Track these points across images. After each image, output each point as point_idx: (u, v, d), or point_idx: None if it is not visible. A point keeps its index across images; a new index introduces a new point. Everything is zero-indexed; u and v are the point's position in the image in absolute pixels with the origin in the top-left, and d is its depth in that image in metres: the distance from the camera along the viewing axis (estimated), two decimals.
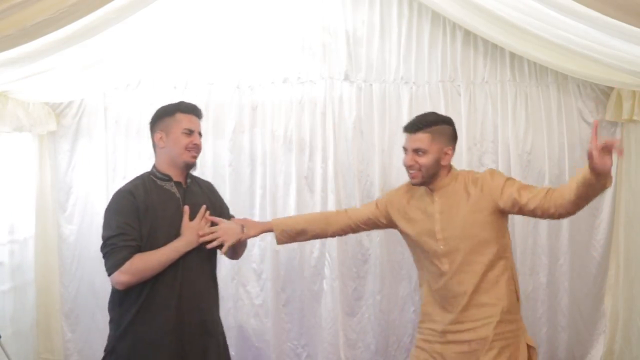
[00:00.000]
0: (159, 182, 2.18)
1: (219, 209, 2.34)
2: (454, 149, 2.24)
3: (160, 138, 2.19)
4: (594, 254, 3.52)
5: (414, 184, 2.25)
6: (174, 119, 2.18)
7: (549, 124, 3.48)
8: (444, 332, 2.19)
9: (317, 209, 3.44)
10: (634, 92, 3.17)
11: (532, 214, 2.12)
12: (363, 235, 3.45)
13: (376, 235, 3.44)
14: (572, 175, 3.43)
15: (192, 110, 2.22)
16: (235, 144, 3.47)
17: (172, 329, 2.08)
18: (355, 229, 2.44)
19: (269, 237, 3.43)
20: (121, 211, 2.06)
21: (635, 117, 3.18)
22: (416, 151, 2.19)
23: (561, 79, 3.47)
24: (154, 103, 3.44)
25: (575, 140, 3.48)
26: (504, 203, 2.12)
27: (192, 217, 2.16)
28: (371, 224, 2.41)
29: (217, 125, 3.48)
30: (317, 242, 3.45)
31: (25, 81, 2.84)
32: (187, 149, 2.16)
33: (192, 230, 2.12)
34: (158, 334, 2.07)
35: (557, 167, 3.47)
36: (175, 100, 3.38)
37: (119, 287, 2.03)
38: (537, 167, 3.47)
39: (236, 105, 3.47)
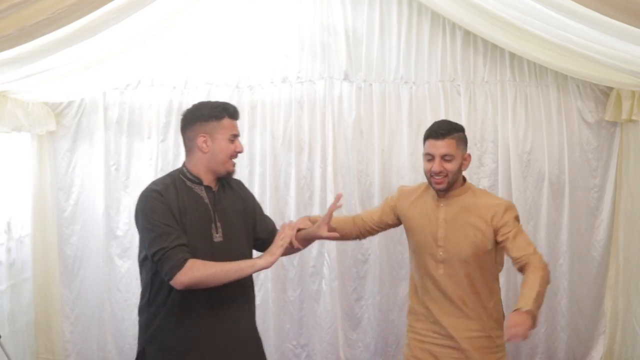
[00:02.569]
0: (188, 183, 2.04)
1: (252, 207, 2.21)
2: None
3: (204, 142, 2.02)
4: (594, 254, 3.52)
5: (439, 190, 2.21)
6: (222, 124, 2.03)
7: (548, 124, 3.48)
8: (434, 333, 2.25)
9: (316, 209, 3.44)
10: (633, 92, 3.17)
11: (508, 255, 2.18)
12: None
13: (376, 235, 3.43)
14: (571, 175, 3.45)
15: (238, 115, 2.09)
16: None
17: (203, 337, 2.01)
18: (369, 231, 2.41)
19: None
20: (156, 211, 1.93)
21: (634, 117, 3.17)
22: (444, 157, 2.16)
23: (561, 79, 3.47)
24: (153, 103, 3.48)
25: (575, 140, 3.48)
26: (499, 237, 2.17)
27: (222, 223, 2.04)
28: (383, 224, 2.40)
29: None
30: (316, 243, 3.44)
31: (24, 81, 2.84)
32: (232, 157, 2.04)
33: (274, 255, 1.95)
34: (188, 342, 2.00)
35: (556, 167, 3.47)
36: (174, 99, 3.46)
37: (180, 288, 1.89)
38: (537, 167, 3.47)
39: (235, 105, 3.44)
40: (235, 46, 3.45)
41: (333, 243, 3.41)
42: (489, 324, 2.21)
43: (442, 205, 2.23)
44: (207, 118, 2.04)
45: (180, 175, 2.06)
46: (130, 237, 3.44)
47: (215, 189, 2.08)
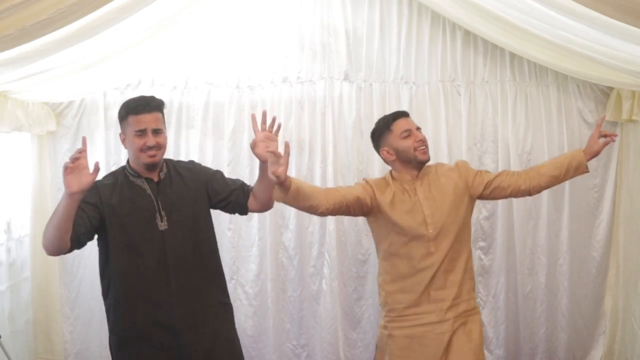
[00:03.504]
0: (131, 178, 2.19)
1: (203, 181, 2.28)
2: None
3: (123, 140, 2.20)
4: (593, 254, 3.52)
5: (426, 161, 2.36)
6: (127, 122, 2.15)
7: (549, 124, 3.48)
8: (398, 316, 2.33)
9: None
10: (633, 92, 3.17)
11: (502, 193, 2.38)
12: (363, 235, 3.45)
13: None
14: None
15: (143, 109, 2.14)
16: (234, 144, 3.47)
17: (157, 322, 2.13)
18: (341, 208, 2.28)
19: (269, 239, 3.44)
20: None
21: (634, 117, 3.17)
22: (418, 128, 2.38)
23: (561, 79, 3.47)
24: None
25: (575, 140, 3.48)
26: (476, 187, 2.36)
27: (167, 210, 2.16)
28: (355, 206, 2.29)
29: (216, 125, 3.48)
30: (316, 243, 3.46)
31: (25, 81, 2.84)
32: (141, 150, 2.13)
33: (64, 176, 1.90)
34: (134, 328, 2.14)
35: None
36: (175, 99, 3.46)
37: (51, 255, 2.08)
38: None
39: (236, 105, 3.47)
40: (236, 46, 3.45)
41: (333, 242, 3.41)
42: (467, 286, 2.34)
43: (418, 185, 2.35)
44: (120, 118, 2.20)
45: (125, 171, 2.22)
46: None
47: (157, 179, 2.21)
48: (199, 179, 2.29)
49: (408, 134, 2.33)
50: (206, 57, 3.46)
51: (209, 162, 3.45)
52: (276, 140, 2.17)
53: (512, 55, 3.45)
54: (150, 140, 2.12)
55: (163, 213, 2.15)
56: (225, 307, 2.34)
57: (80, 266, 3.50)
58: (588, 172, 2.41)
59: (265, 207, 2.36)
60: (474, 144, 3.48)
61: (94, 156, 3.49)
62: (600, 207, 3.51)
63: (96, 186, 2.08)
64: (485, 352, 3.50)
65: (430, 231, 2.27)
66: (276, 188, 2.07)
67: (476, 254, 3.50)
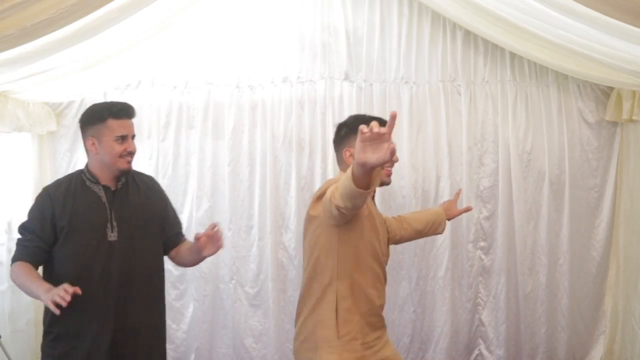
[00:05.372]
0: (88, 183, 2.13)
1: (159, 206, 2.26)
2: None
3: (92, 144, 2.12)
4: (593, 254, 3.52)
5: (388, 184, 2.19)
6: (106, 125, 2.09)
7: (549, 124, 3.48)
8: (370, 347, 2.09)
9: None
10: (634, 92, 3.17)
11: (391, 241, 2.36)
12: None
13: None
14: (572, 175, 3.45)
15: (125, 114, 2.11)
16: (234, 144, 3.46)
17: (80, 334, 2.08)
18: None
19: (269, 239, 3.44)
20: (34, 210, 2.11)
21: (635, 117, 3.18)
22: None
23: (561, 79, 3.47)
24: (153, 103, 3.48)
25: (575, 140, 3.48)
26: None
27: (119, 221, 2.11)
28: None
29: (216, 125, 3.48)
30: None
31: (25, 81, 2.84)
32: (121, 156, 2.09)
33: (50, 294, 1.85)
34: (65, 338, 2.10)
35: (557, 167, 3.47)
36: (175, 99, 3.46)
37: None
38: (537, 167, 3.47)
39: (236, 105, 3.47)
40: (236, 46, 3.45)
41: None
42: None
43: (372, 210, 2.09)
44: (93, 121, 2.13)
45: (82, 175, 2.14)
46: None
47: (115, 187, 2.14)
48: (158, 198, 2.28)
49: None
50: (206, 57, 3.45)
51: (208, 162, 3.46)
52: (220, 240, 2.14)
53: (513, 55, 3.45)
54: (131, 146, 2.11)
55: (115, 223, 2.10)
56: (161, 329, 2.29)
57: None
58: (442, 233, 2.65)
59: (179, 265, 2.48)
60: (474, 144, 3.48)
61: None
62: (600, 207, 3.51)
63: (49, 193, 2.08)
64: (486, 352, 3.51)
65: (384, 259, 2.13)
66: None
67: (476, 254, 3.50)
